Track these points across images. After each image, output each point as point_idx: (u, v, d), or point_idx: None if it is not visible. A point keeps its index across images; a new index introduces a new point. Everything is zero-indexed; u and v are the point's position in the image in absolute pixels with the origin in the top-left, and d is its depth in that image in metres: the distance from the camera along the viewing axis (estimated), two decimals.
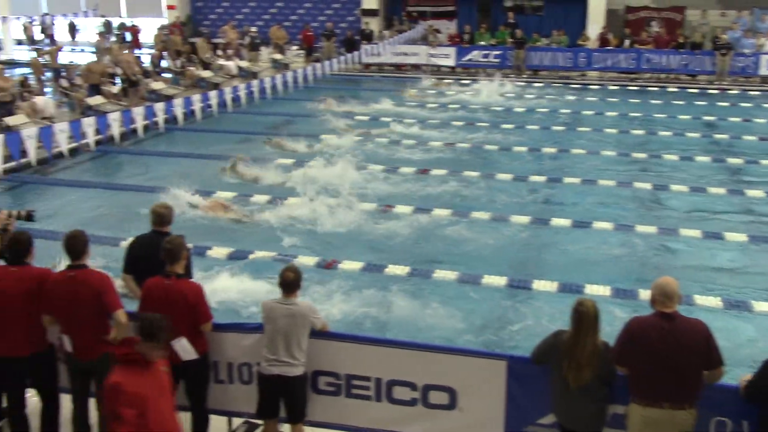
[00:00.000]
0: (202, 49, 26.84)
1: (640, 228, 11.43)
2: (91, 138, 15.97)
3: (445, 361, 5.55)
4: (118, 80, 21.57)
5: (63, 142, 15.21)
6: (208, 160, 15.21)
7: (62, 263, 6.00)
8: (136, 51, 28.61)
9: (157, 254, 5.62)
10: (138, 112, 17.30)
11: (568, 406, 5.08)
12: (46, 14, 38.76)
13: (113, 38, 31.17)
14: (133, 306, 5.86)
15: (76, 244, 5.57)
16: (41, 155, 14.94)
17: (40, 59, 23.59)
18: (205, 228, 11.30)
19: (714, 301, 8.96)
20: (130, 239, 6.55)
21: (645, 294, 8.37)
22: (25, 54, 32.33)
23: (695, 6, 28.58)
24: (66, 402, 5.96)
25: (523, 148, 16.82)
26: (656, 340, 4.81)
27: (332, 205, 12.12)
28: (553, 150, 16.71)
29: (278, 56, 29.40)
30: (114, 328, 5.56)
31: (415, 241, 11.06)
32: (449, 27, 31.21)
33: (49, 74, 23.28)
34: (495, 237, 11.11)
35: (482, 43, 28.57)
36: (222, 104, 19.99)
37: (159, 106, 18.04)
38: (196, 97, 19.39)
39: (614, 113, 20.93)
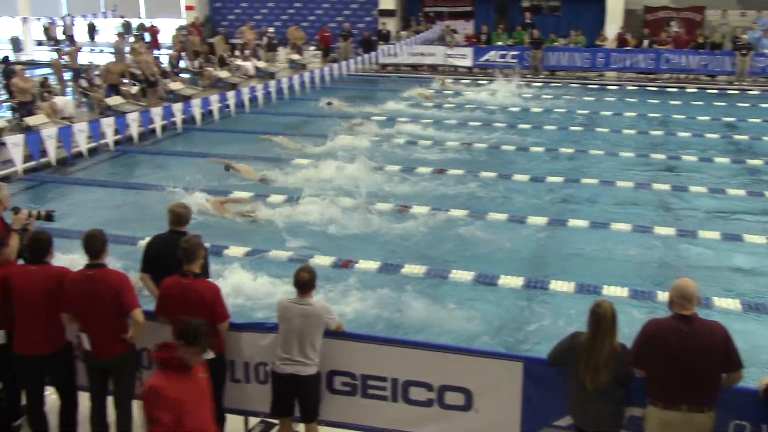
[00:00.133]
0: (219, 47, 26.94)
1: (659, 229, 11.36)
2: (110, 138, 16.09)
3: (461, 362, 5.54)
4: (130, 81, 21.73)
5: (82, 142, 15.33)
6: (237, 161, 15.25)
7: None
8: (155, 51, 28.79)
9: (175, 254, 5.65)
10: (156, 112, 17.41)
11: (585, 408, 5.05)
12: (68, 15, 39.09)
13: (132, 39, 31.37)
14: (150, 305, 5.91)
15: (94, 244, 5.60)
16: (61, 155, 15.06)
17: (61, 60, 23.79)
18: (222, 228, 11.35)
19: (733, 304, 8.89)
20: (148, 239, 6.58)
21: (663, 296, 8.31)
22: (45, 54, 32.66)
23: (715, 6, 28.36)
24: (84, 400, 6.01)
25: (541, 149, 16.76)
26: (674, 343, 4.78)
27: (348, 205, 12.16)
28: (570, 150, 16.63)
29: (295, 57, 29.48)
30: (131, 327, 5.60)
31: (431, 241, 11.05)
32: (466, 27, 31.19)
33: (68, 75, 23.46)
34: (512, 238, 11.07)
35: (499, 43, 28.50)
36: (239, 104, 20.07)
37: (177, 107, 18.14)
38: (214, 98, 19.48)
39: (633, 114, 20.81)
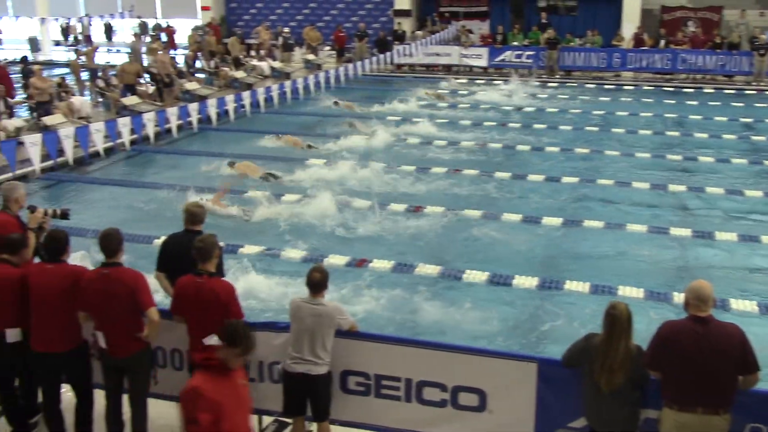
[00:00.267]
0: (232, 45, 27.02)
1: (675, 230, 11.30)
2: (126, 138, 16.19)
3: (475, 363, 5.53)
4: (148, 81, 21.85)
5: (99, 141, 15.43)
6: (240, 160, 15.31)
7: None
8: (171, 52, 28.93)
9: (190, 253, 5.67)
10: (172, 112, 17.50)
11: (600, 410, 5.02)
12: (86, 15, 39.35)
13: (148, 39, 31.55)
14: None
15: (110, 242, 5.64)
16: (78, 154, 15.18)
17: (79, 60, 23.95)
18: (236, 227, 11.40)
19: (749, 305, 8.82)
20: (163, 238, 6.61)
21: (679, 297, 8.28)
22: (62, 54, 32.91)
23: (733, 6, 28.16)
24: (99, 398, 6.05)
25: (556, 149, 16.72)
26: (690, 345, 4.75)
27: (361, 205, 12.18)
28: (586, 151, 16.57)
29: (311, 57, 29.54)
30: (146, 326, 5.63)
31: (445, 241, 11.05)
32: (482, 27, 31.14)
33: (85, 75, 23.63)
34: (526, 238, 11.05)
35: (515, 43, 28.41)
36: (255, 104, 20.14)
37: (193, 107, 18.23)
38: (230, 98, 19.56)
39: (649, 114, 20.70)
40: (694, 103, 22.53)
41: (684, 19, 28.74)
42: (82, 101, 18.95)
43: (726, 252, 10.68)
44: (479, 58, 28.41)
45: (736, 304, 8.79)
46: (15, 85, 20.60)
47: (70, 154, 14.80)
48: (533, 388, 5.39)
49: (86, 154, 15.34)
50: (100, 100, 21.29)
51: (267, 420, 6.37)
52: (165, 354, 6.19)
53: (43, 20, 33.90)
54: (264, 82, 24.51)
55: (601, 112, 21.00)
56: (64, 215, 6.95)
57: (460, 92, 24.49)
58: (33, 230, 6.42)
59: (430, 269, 9.82)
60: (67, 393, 6.13)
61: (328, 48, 31.86)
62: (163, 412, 6.36)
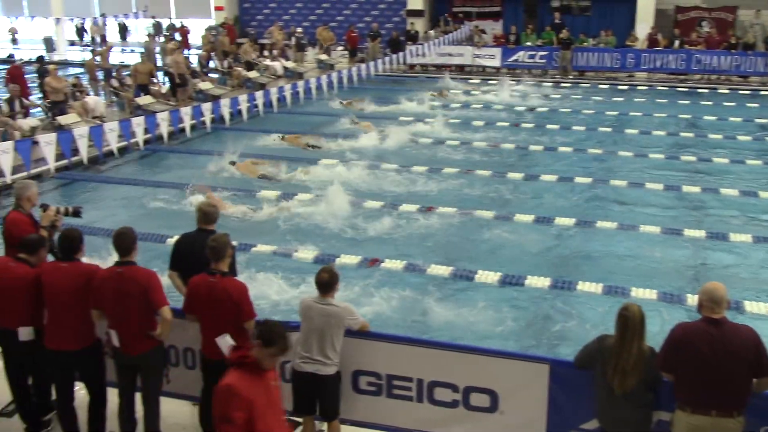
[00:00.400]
0: (245, 51, 27.12)
1: (689, 232, 11.23)
2: (140, 137, 16.26)
3: (487, 364, 5.52)
4: (163, 80, 21.93)
5: (113, 140, 15.50)
6: (242, 159, 15.35)
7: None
8: (185, 51, 29.03)
9: (203, 252, 5.69)
10: (186, 111, 17.56)
11: (613, 412, 5.01)
12: (102, 15, 39.56)
13: (162, 39, 31.68)
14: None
15: (124, 241, 5.67)
16: (92, 153, 15.25)
17: (95, 60, 24.07)
18: (249, 226, 11.43)
19: (764, 308, 8.75)
20: (177, 237, 6.64)
21: (692, 299, 8.26)
22: (77, 54, 33.10)
23: (748, 6, 27.94)
24: (113, 396, 6.08)
25: (569, 149, 16.67)
26: (703, 347, 4.72)
27: (374, 205, 12.19)
28: (599, 151, 16.51)
29: (324, 57, 29.57)
30: (159, 325, 5.66)
31: (457, 241, 11.04)
32: (495, 27, 31.07)
33: (100, 74, 23.75)
34: (539, 239, 11.03)
35: (528, 43, 28.34)
36: (268, 104, 20.18)
37: (206, 106, 18.28)
38: (243, 98, 19.60)
39: (663, 115, 20.59)
40: (709, 103, 22.39)
41: (698, 20, 28.56)
42: (97, 101, 19.05)
43: (740, 253, 10.61)
44: (492, 58, 28.35)
45: (750, 305, 8.73)
46: (30, 85, 20.76)
47: (84, 153, 14.87)
48: (545, 389, 5.38)
49: (100, 153, 15.43)
50: (114, 99, 21.41)
51: None
52: (178, 352, 6.23)
53: (58, 20, 34.09)
54: (277, 82, 24.56)
55: (615, 113, 20.92)
56: (76, 213, 6.99)
57: (473, 92, 24.43)
58: (45, 228, 6.48)
59: (441, 269, 9.81)
60: (81, 391, 6.17)
61: (340, 48, 31.88)
62: (175, 411, 6.40)
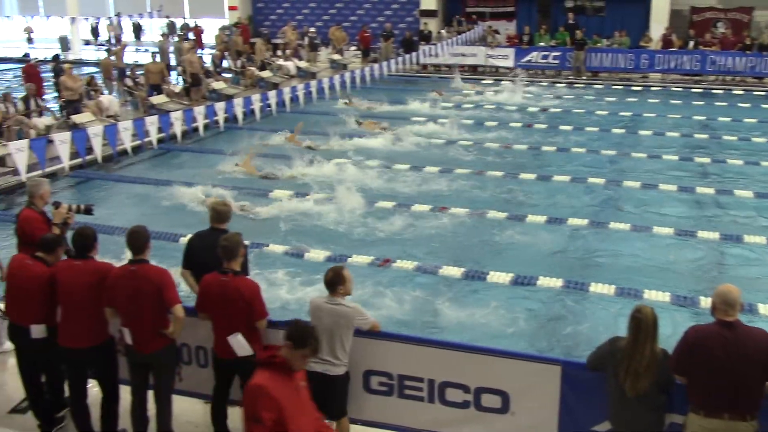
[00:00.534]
0: (259, 51, 27.19)
1: (702, 233, 11.17)
2: (153, 136, 16.32)
3: (498, 365, 5.51)
4: (175, 80, 22.01)
5: (127, 139, 15.58)
6: (265, 158, 15.42)
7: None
8: (199, 51, 29.14)
9: (215, 251, 5.72)
10: (199, 111, 17.62)
11: (625, 414, 4.98)
12: (117, 15, 39.80)
13: (176, 38, 31.83)
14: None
15: (138, 239, 5.70)
16: (106, 152, 15.33)
17: (110, 59, 24.21)
18: (261, 226, 11.46)
19: None
20: (189, 236, 6.67)
21: (706, 301, 8.22)
22: (91, 54, 33.28)
23: (763, 6, 27.78)
24: (125, 394, 6.11)
25: (582, 150, 16.61)
26: (717, 350, 4.70)
27: (387, 205, 12.19)
28: (612, 152, 16.44)
29: (336, 57, 29.61)
30: (172, 323, 5.69)
31: (469, 242, 11.02)
32: (508, 28, 31.01)
33: (115, 73, 23.87)
34: (551, 240, 11.00)
35: (542, 44, 28.26)
36: (281, 104, 20.21)
37: (219, 106, 18.34)
38: (256, 97, 19.65)
39: (677, 116, 20.48)
40: (723, 105, 22.26)
41: (713, 20, 28.40)
42: (111, 100, 19.16)
43: (755, 255, 10.54)
44: (505, 58, 28.29)
45: (764, 308, 8.67)
46: (45, 84, 20.89)
47: (98, 151, 14.95)
48: (557, 390, 5.36)
49: (114, 152, 15.50)
50: (129, 98, 21.51)
51: None
52: (190, 351, 6.25)
53: (73, 20, 34.30)
54: (290, 81, 24.61)
55: (628, 114, 20.82)
56: (88, 211, 7.03)
57: (485, 93, 24.38)
58: (57, 226, 6.52)
59: (453, 270, 9.80)
60: (94, 388, 6.20)
61: (354, 48, 31.91)
62: (187, 409, 6.42)
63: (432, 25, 30.76)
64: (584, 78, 26.74)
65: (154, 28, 38.76)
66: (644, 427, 4.97)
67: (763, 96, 23.68)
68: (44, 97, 19.62)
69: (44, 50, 31.83)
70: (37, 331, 5.96)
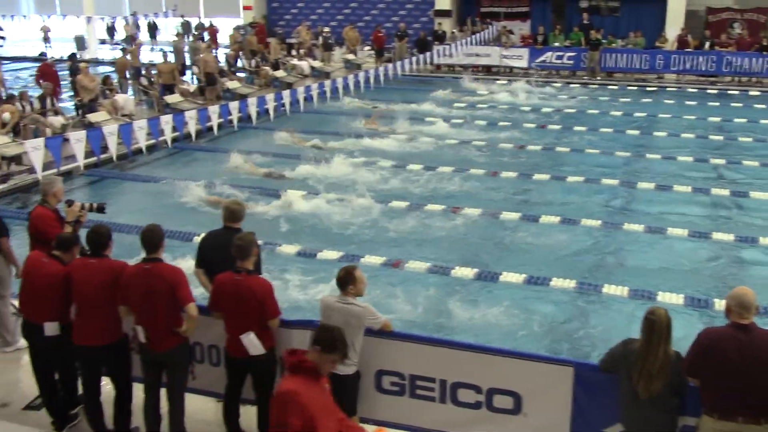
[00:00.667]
0: (274, 50, 27.25)
1: (717, 235, 11.10)
2: (168, 135, 16.40)
3: (511, 366, 5.50)
4: (190, 79, 22.09)
5: (142, 138, 15.64)
6: (279, 158, 15.46)
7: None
8: (213, 51, 29.21)
9: (228, 250, 5.73)
10: (213, 110, 17.67)
11: (638, 417, 4.96)
12: (134, 14, 39.97)
13: (190, 38, 31.93)
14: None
15: (152, 238, 5.73)
16: (121, 151, 15.41)
17: (126, 57, 24.33)
18: (274, 225, 11.48)
19: None
20: (203, 234, 6.69)
21: (720, 304, 8.14)
22: (107, 53, 33.46)
23: None
24: (138, 392, 6.15)
25: (596, 151, 16.54)
26: (732, 353, 4.67)
27: (400, 206, 12.19)
28: (626, 153, 16.36)
29: (350, 56, 29.63)
30: (185, 321, 5.71)
31: (481, 243, 11.01)
32: (522, 28, 30.91)
33: (129, 73, 23.98)
34: (565, 240, 10.96)
35: (556, 44, 28.15)
36: (295, 103, 20.25)
37: (234, 105, 18.38)
38: (270, 97, 19.68)
39: (692, 117, 20.36)
40: (739, 106, 22.10)
41: (730, 21, 28.20)
42: (126, 99, 19.25)
43: None
44: (519, 58, 28.21)
45: None
46: (62, 83, 21.03)
47: (113, 150, 15.01)
48: (569, 392, 5.34)
49: (129, 151, 15.59)
50: (144, 98, 21.62)
51: None
52: (203, 349, 6.27)
53: (89, 19, 34.48)
54: (304, 81, 24.65)
55: (643, 115, 20.72)
56: (101, 209, 7.07)
57: (501, 93, 24.31)
58: (70, 224, 6.56)
59: (466, 271, 9.78)
60: (107, 386, 6.24)
61: (368, 48, 31.91)
62: (200, 407, 6.45)
63: (446, 25, 30.71)
64: (599, 78, 26.62)
65: (169, 28, 38.88)
66: (657, 429, 4.94)
67: None
68: (61, 96, 19.74)
69: (60, 49, 32.02)
70: (51, 328, 6.01)
